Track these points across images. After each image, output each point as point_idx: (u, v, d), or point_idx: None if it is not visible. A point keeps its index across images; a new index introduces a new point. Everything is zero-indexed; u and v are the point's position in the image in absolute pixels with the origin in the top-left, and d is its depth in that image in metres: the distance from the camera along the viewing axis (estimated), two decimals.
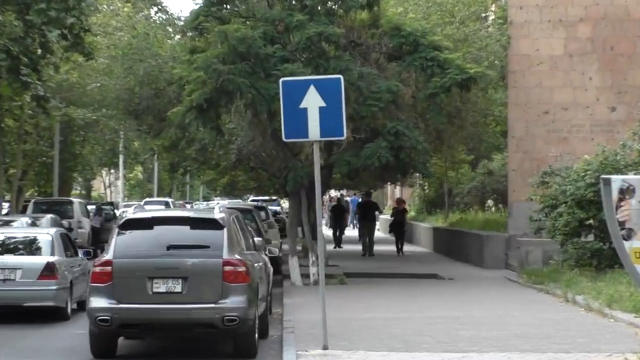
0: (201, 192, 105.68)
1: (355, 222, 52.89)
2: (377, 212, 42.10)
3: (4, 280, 18.90)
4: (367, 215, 39.33)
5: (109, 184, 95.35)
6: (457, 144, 36.68)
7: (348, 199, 60.91)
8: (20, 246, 20.63)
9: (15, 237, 21.36)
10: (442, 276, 28.34)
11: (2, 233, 21.48)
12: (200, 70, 23.92)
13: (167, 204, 62.28)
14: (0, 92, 34.40)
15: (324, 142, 20.81)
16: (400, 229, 38.70)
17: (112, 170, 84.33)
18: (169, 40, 40.84)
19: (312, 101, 14.95)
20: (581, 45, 29.61)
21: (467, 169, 47.59)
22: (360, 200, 46.80)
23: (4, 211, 48.44)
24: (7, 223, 28.70)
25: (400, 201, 42.78)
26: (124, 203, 77.25)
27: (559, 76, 29.86)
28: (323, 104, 14.92)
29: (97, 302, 15.21)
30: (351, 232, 50.91)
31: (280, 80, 16.06)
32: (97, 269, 15.54)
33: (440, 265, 32.57)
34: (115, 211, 52.03)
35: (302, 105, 15.05)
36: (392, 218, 40.45)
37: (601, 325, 17.50)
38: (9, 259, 19.86)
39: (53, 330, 18.83)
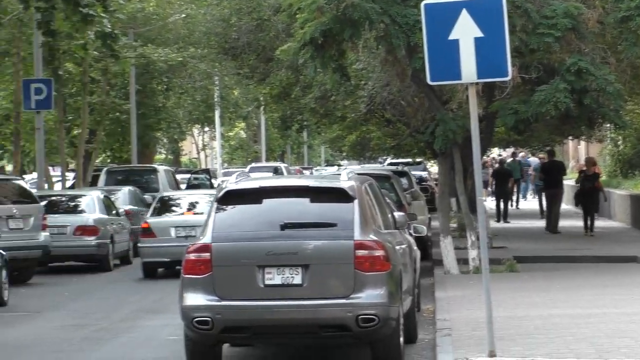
0: (323, 155, 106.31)
1: (532, 188, 52.65)
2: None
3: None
4: (551, 180, 39.13)
5: (203, 146, 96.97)
6: None
7: (520, 158, 60.17)
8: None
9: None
10: None
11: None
12: None
13: (276, 170, 62.95)
14: (56, 29, 35.33)
15: (482, 85, 20.80)
16: (590, 199, 37.79)
17: (207, 128, 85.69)
18: None
19: (466, 30, 14.79)
20: None
21: None
22: (541, 161, 46.88)
23: (69, 183, 49.93)
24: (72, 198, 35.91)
25: (590, 162, 40.78)
26: (223, 170, 77.83)
27: None
28: (480, 34, 14.76)
29: (194, 299, 15.33)
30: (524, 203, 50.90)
31: (422, 3, 15.73)
32: (192, 256, 15.61)
33: None
34: (212, 181, 53.00)
35: (451, 37, 14.90)
36: (579, 185, 39.47)
37: None
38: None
39: (139, 335, 19.74)
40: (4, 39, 43.52)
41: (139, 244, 32.33)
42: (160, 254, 28.76)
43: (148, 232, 31.24)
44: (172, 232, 29.60)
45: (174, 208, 32.72)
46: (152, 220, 31.92)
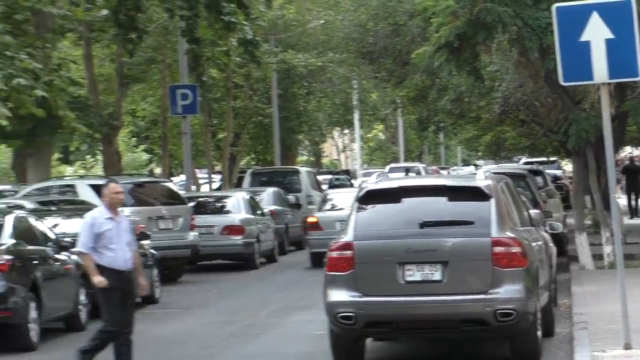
0: (459, 155, 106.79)
1: None
2: None
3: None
4: None
5: (343, 148, 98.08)
6: None
7: None
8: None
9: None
10: None
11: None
12: None
13: (407, 171, 63.26)
14: (199, 36, 35.95)
15: (613, 85, 20.81)
16: None
17: (346, 130, 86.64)
18: None
19: (596, 32, 14.92)
20: None
21: None
22: None
23: (215, 185, 51.07)
24: (219, 199, 37.17)
25: None
26: (362, 171, 78.13)
27: None
28: (610, 36, 14.87)
29: (337, 296, 15.57)
30: None
31: (553, 6, 15.92)
32: (334, 254, 15.88)
33: None
34: (353, 181, 53.74)
35: (582, 38, 15.01)
36: None
37: None
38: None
39: (285, 331, 20.30)
40: (151, 46, 44.39)
41: (307, 237, 35.05)
42: (327, 245, 29.37)
43: (316, 225, 33.93)
44: (337, 225, 30.47)
45: (337, 204, 35.11)
46: (319, 215, 34.97)
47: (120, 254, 15.70)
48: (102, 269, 15.50)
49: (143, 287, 16.56)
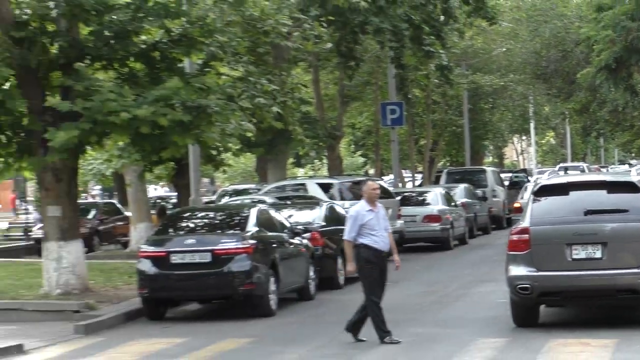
0: (616, 155, 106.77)
1: None
2: None
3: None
4: None
5: (521, 151, 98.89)
6: None
7: None
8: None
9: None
10: None
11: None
12: (608, 28, 24.40)
13: (565, 170, 64.16)
14: (405, 63, 36.84)
15: None
16: None
17: (524, 137, 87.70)
18: None
19: None
20: None
21: None
22: None
23: (417, 182, 51.82)
24: (420, 194, 36.35)
25: None
26: (537, 170, 79.70)
27: None
28: None
29: (517, 271, 15.85)
30: None
31: None
32: (515, 237, 16.14)
33: None
34: (529, 178, 53.98)
35: None
36: None
37: None
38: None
39: (473, 300, 20.36)
40: (366, 72, 45.21)
41: (512, 218, 34.72)
42: None
43: (519, 209, 32.62)
44: None
45: None
46: (522, 201, 33.90)
47: (381, 238, 15.95)
48: (368, 248, 15.79)
49: (398, 262, 16.67)
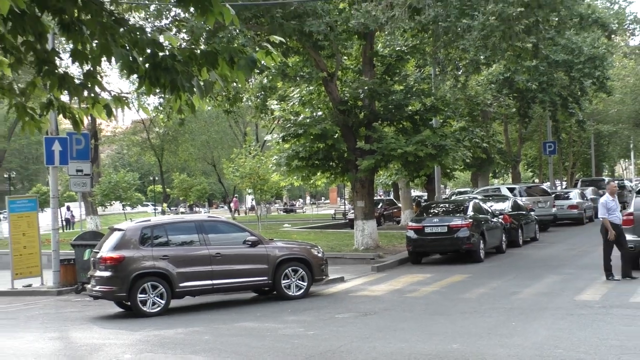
0: None
1: None
2: None
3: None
4: None
5: (625, 168, 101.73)
6: None
7: None
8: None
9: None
10: None
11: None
12: None
13: None
14: (557, 118, 38.96)
15: None
16: None
17: (627, 160, 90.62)
18: None
19: None
20: None
21: None
22: None
23: (563, 186, 54.15)
24: (565, 193, 37.19)
25: None
26: (635, 180, 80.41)
27: None
28: None
29: (627, 237, 16.74)
30: None
31: None
32: (625, 218, 16.97)
33: None
34: (631, 185, 56.02)
35: None
36: None
37: None
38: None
39: (598, 254, 18.30)
40: (534, 124, 46.52)
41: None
42: None
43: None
44: None
45: None
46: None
47: (617, 217, 16.64)
48: (613, 225, 16.55)
49: (611, 233, 16.61)
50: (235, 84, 19.76)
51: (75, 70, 25.97)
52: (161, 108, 23.78)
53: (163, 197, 66.62)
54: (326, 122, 24.50)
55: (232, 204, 68.83)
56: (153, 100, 52.34)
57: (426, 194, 40.48)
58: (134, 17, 21.80)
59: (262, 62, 7.03)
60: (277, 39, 7.52)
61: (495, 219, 23.98)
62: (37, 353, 12.25)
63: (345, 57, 26.13)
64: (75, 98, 7.24)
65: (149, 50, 6.76)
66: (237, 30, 21.04)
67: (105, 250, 15.73)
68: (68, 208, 55.89)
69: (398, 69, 26.13)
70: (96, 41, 6.76)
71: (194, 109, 7.05)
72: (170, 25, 22.73)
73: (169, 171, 65.99)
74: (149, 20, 22.19)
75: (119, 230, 16.11)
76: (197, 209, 76.90)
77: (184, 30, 21.44)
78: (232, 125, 60.36)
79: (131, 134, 59.88)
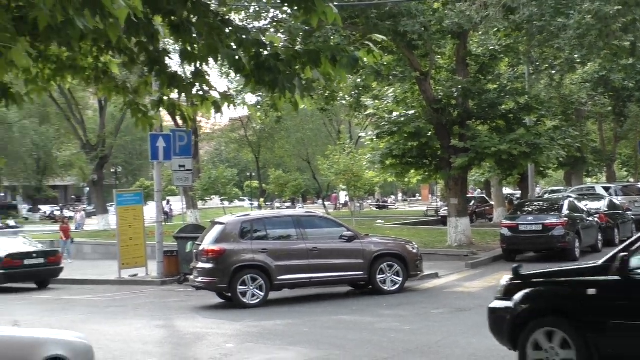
0: None
1: None
2: None
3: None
4: None
5: None
6: None
7: None
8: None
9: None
10: None
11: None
12: None
13: None
14: None
15: None
16: None
17: None
18: None
19: None
20: None
21: None
22: None
23: None
24: None
25: None
26: None
27: None
28: None
29: None
30: None
31: None
32: None
33: None
34: None
35: None
36: None
37: None
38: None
39: None
40: (630, 123, 44.24)
41: None
42: None
43: None
44: None
45: None
46: None
47: None
48: None
49: None
50: (335, 83, 19.82)
51: (177, 68, 26.42)
52: (260, 106, 24.07)
53: (260, 192, 67.51)
54: (420, 120, 24.60)
55: (326, 201, 69.17)
56: (250, 99, 53.03)
57: (519, 192, 40.07)
58: (233, 19, 22.01)
59: (364, 60, 6.98)
60: (379, 37, 7.47)
61: (590, 218, 23.76)
62: (145, 340, 12.60)
63: (439, 57, 26.13)
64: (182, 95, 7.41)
65: (253, 50, 6.78)
66: (334, 31, 21.17)
67: (207, 243, 16.07)
68: (168, 202, 57.18)
69: (491, 68, 25.97)
70: (203, 41, 6.81)
71: (297, 106, 7.10)
72: (269, 26, 22.98)
73: (265, 167, 66.85)
74: (248, 21, 22.45)
75: (220, 224, 16.45)
76: (298, 204, 77.67)
77: (282, 31, 21.65)
78: (327, 123, 60.68)
79: (229, 132, 60.81)
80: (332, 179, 37.16)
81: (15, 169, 67.25)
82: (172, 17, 6.94)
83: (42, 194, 77.29)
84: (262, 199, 67.61)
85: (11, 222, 64.39)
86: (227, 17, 7.27)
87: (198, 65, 7.08)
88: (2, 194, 79.35)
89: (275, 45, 7.03)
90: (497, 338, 8.64)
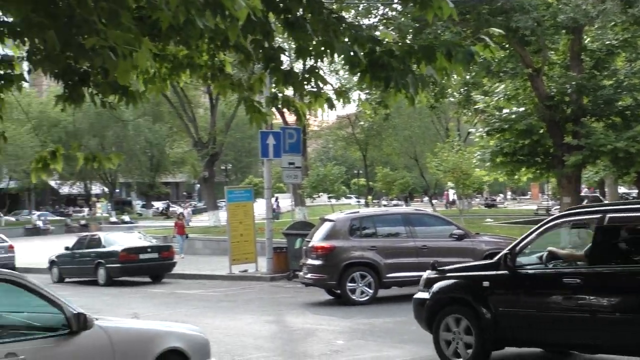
0: None
1: None
2: None
3: None
4: None
5: None
6: None
7: None
8: None
9: None
10: None
11: None
12: None
13: None
14: None
15: None
16: None
17: None
18: None
19: None
20: None
21: None
22: None
23: None
24: None
25: None
26: None
27: None
28: None
29: None
30: None
31: None
32: None
33: None
34: None
35: None
36: None
37: None
38: None
39: None
40: None
41: None
42: None
43: None
44: None
45: None
46: None
47: None
48: None
49: None
50: (450, 79, 19.66)
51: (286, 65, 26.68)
52: (373, 103, 24.08)
53: (367, 190, 67.74)
54: (532, 117, 24.29)
55: (434, 198, 68.75)
56: (356, 97, 52.93)
57: (635, 191, 38.88)
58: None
59: (481, 54, 6.90)
60: (495, 31, 7.34)
61: None
62: (256, 334, 12.83)
63: (552, 52, 25.62)
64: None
65: (368, 47, 6.81)
66: (444, 27, 21.03)
67: (317, 239, 16.23)
68: (276, 199, 57.99)
69: (608, 64, 25.23)
70: (318, 38, 6.88)
71: (413, 102, 7.03)
72: (378, 23, 23.02)
73: (372, 165, 66.99)
74: (357, 19, 22.54)
75: (330, 221, 16.58)
76: (412, 202, 77.45)
77: (391, 28, 21.63)
78: (434, 120, 60.32)
79: (337, 129, 61.20)
80: (440, 176, 36.95)
81: (130, 166, 69.57)
82: (287, 15, 7.00)
83: (155, 190, 79.70)
84: (369, 197, 67.77)
85: (126, 218, 66.85)
86: (340, 14, 7.29)
87: (313, 61, 7.12)
88: (118, 190, 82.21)
89: (389, 41, 7.03)
90: (419, 322, 10.23)
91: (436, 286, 9.86)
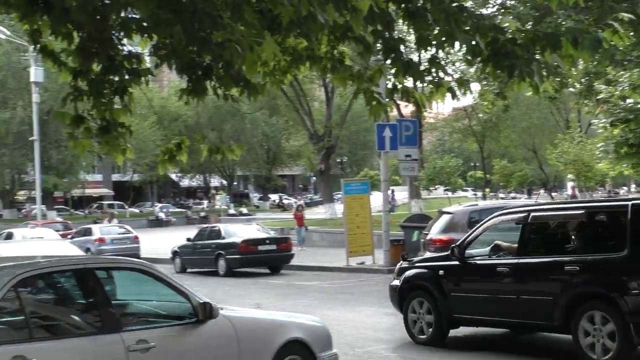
0: None
1: None
2: None
3: None
4: None
5: None
6: None
7: None
8: None
9: None
10: None
11: None
12: None
13: None
14: None
15: None
16: None
17: None
18: None
19: None
20: None
21: None
22: None
23: None
24: None
25: None
26: None
27: None
28: None
29: None
30: None
31: None
32: None
33: None
34: None
35: None
36: None
37: None
38: None
39: None
40: None
41: None
42: None
43: None
44: None
45: None
46: None
47: None
48: None
49: None
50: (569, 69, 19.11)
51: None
52: (492, 94, 23.65)
53: (484, 182, 66.79)
54: None
55: (553, 191, 67.11)
56: (473, 87, 52.01)
57: None
58: None
59: (611, 41, 6.67)
60: (626, 16, 7.07)
61: None
62: (375, 327, 12.85)
63: None
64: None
65: (490, 35, 6.72)
66: (565, 15, 20.43)
67: (435, 232, 16.11)
68: (392, 192, 57.83)
69: None
70: (438, 28, 6.84)
71: (538, 90, 6.88)
72: (496, 12, 22.64)
73: (489, 157, 65.91)
74: (474, 8, 22.18)
75: (448, 213, 16.40)
76: (537, 192, 75.80)
77: (510, 17, 21.18)
78: (554, 111, 58.77)
79: (453, 121, 60.52)
80: (561, 168, 35.99)
81: (248, 158, 70.80)
82: (408, 5, 6.98)
83: (272, 183, 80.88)
84: (487, 189, 66.81)
85: (244, 210, 68.16)
86: (461, 4, 7.20)
87: (434, 51, 7.09)
88: (235, 183, 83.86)
89: (512, 29, 6.92)
90: (393, 305, 12.05)
91: (405, 274, 11.67)
